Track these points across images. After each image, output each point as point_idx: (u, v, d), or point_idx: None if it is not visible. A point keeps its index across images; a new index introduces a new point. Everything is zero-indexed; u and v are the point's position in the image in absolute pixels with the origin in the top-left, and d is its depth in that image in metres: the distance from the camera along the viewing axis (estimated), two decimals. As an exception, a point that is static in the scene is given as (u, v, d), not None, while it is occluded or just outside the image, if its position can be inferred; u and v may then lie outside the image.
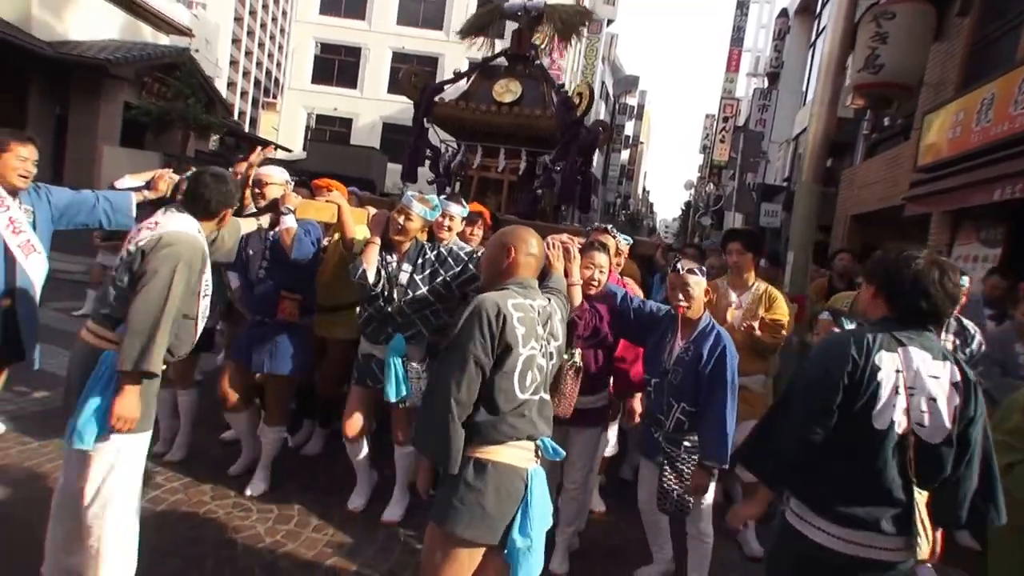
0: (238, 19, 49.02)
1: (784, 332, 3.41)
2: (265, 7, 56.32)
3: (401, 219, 2.94)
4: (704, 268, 2.74)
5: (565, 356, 2.51)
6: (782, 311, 3.40)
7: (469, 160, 5.44)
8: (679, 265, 2.69)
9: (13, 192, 2.70)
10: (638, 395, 3.27)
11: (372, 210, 3.40)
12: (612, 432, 3.48)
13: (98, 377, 2.06)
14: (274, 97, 42.59)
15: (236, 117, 31.39)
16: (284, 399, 3.38)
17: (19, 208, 2.73)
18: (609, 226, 3.50)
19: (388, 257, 3.00)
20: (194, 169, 3.30)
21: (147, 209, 3.13)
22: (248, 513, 3.05)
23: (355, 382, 3.16)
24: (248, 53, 52.79)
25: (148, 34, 16.86)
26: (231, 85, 46.31)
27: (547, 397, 1.92)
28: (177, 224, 2.20)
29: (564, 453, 1.98)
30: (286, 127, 25.73)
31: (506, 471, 1.77)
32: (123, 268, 2.17)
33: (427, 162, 5.68)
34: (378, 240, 2.97)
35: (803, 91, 17.65)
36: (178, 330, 2.21)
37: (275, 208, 3.11)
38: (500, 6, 5.73)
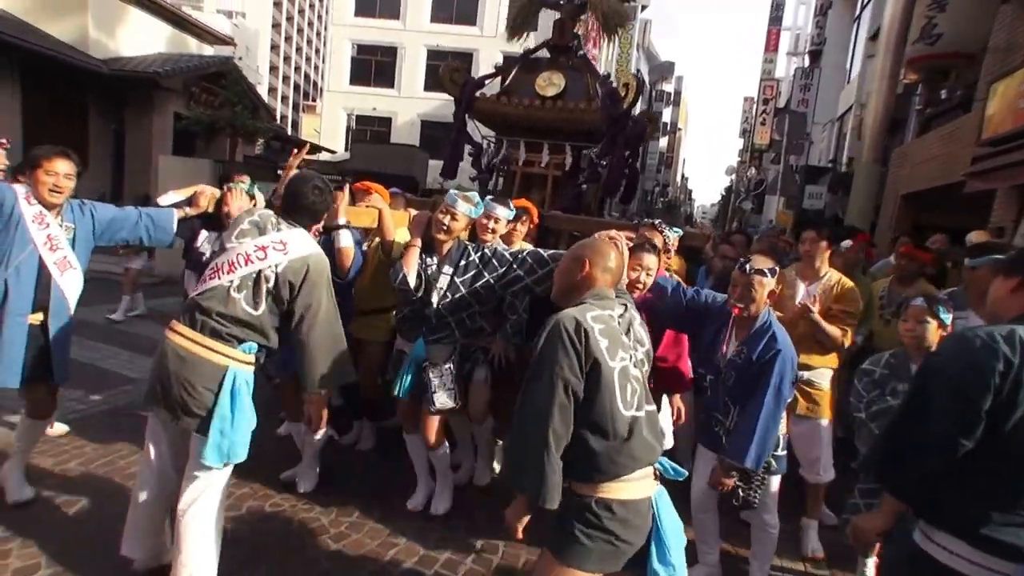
0: (276, 26, 50.18)
1: (849, 326, 3.19)
2: (301, 12, 57.48)
3: (447, 219, 2.86)
4: (776, 269, 2.54)
5: None
6: (853, 303, 3.20)
7: (512, 156, 5.37)
8: (749, 265, 2.49)
9: (49, 207, 2.70)
10: (678, 395, 3.16)
11: (413, 212, 3.35)
12: None
13: (235, 397, 2.17)
14: (314, 100, 43.50)
15: (278, 121, 32.16)
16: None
17: (59, 225, 2.74)
18: (658, 221, 3.39)
19: (428, 260, 2.93)
20: (246, 178, 3.35)
21: (189, 224, 3.10)
22: (312, 506, 3.15)
23: (389, 376, 3.17)
24: (287, 58, 54.01)
25: (193, 46, 17.42)
26: (272, 90, 47.50)
27: (652, 409, 1.82)
28: (306, 245, 2.32)
29: (685, 473, 1.91)
30: (327, 129, 26.23)
31: (633, 506, 1.71)
32: (255, 291, 2.20)
33: (469, 158, 5.65)
34: (419, 242, 2.90)
35: (847, 68, 17.00)
36: None
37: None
38: None
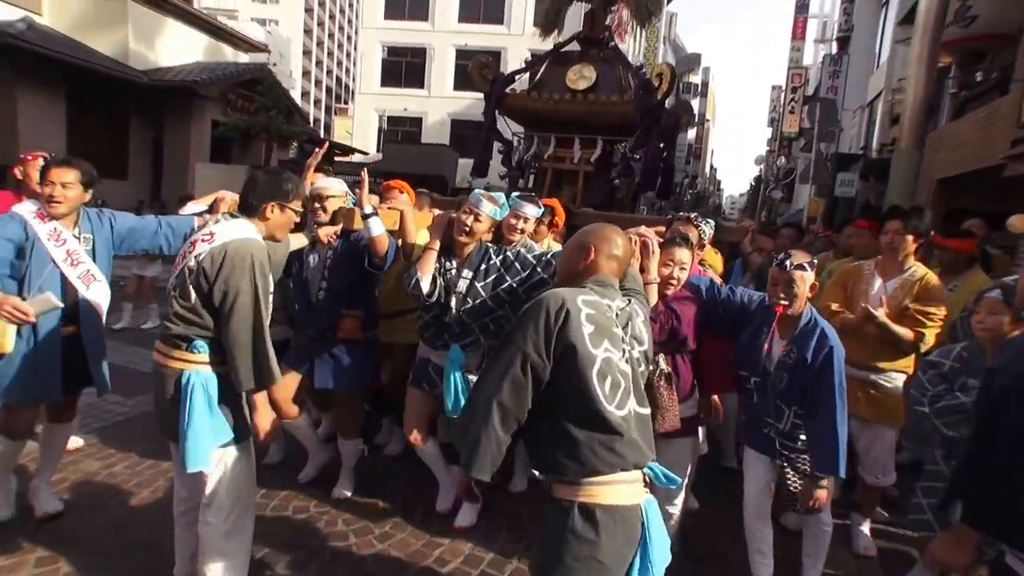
0: (308, 31, 51.06)
1: (926, 329, 2.91)
2: (332, 17, 58.34)
3: (470, 220, 2.69)
4: (815, 262, 2.44)
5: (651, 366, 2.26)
6: (934, 302, 2.95)
7: (542, 152, 5.29)
8: (788, 261, 2.39)
9: (53, 218, 2.63)
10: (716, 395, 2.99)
11: (437, 212, 3.25)
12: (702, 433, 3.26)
13: (187, 400, 2.07)
14: (346, 103, 44.15)
15: (311, 125, 32.75)
16: (354, 413, 3.29)
17: (77, 239, 2.67)
18: (694, 215, 3.28)
19: (447, 263, 2.77)
20: None
21: None
22: (355, 507, 3.17)
23: (410, 384, 3.04)
24: (319, 63, 54.91)
25: (229, 54, 17.86)
26: (305, 95, 48.32)
27: (646, 412, 1.69)
28: (233, 231, 2.14)
29: (679, 480, 1.78)
30: (359, 131, 26.62)
31: (619, 513, 1.57)
32: (184, 285, 2.11)
33: (499, 156, 5.59)
34: (437, 245, 2.75)
35: (876, 53, 16.56)
36: None
37: (335, 221, 3.00)
38: None
